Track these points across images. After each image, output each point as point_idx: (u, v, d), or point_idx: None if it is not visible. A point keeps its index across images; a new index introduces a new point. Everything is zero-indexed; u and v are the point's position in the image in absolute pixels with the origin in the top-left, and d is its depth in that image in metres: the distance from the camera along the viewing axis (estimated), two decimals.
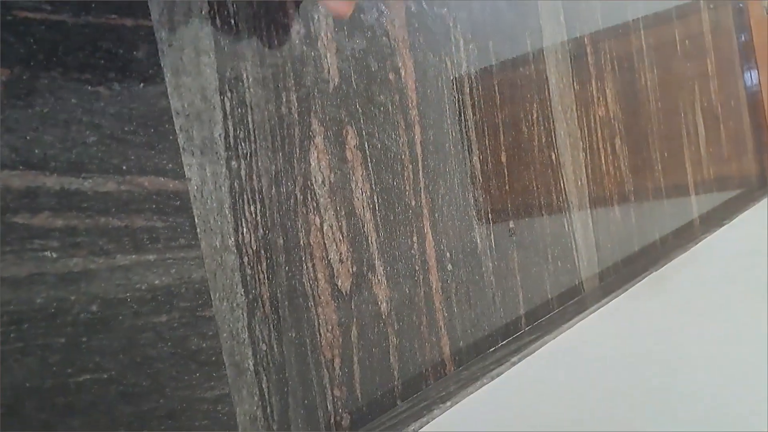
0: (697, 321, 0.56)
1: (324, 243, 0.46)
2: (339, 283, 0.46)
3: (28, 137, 0.31)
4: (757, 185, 1.44)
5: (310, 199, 0.45)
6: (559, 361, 0.54)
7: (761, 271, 0.69)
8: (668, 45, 1.13)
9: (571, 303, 0.72)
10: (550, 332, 0.62)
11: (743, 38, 1.52)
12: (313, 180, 0.45)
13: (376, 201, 0.50)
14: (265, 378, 0.41)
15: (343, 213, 0.47)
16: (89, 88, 0.34)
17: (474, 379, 0.52)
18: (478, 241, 0.60)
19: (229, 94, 0.41)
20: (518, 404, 0.46)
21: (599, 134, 0.84)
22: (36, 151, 0.32)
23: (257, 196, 0.42)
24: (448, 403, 0.49)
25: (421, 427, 0.46)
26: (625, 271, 0.85)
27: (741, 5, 1.58)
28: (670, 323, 0.58)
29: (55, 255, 0.32)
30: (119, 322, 0.34)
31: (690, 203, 1.11)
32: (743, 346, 0.47)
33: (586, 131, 0.81)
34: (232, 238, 0.40)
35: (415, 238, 0.53)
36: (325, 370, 0.45)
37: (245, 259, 0.40)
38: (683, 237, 1.03)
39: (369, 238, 0.49)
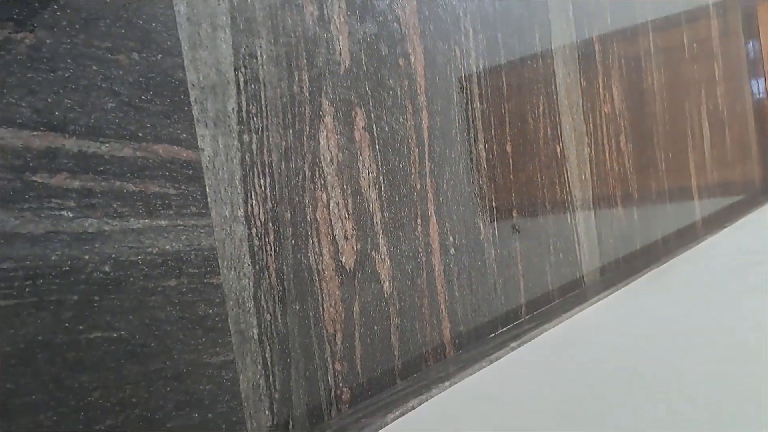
0: (696, 316, 0.57)
1: (330, 219, 0.46)
2: (343, 260, 0.47)
3: (49, 100, 0.33)
4: (761, 190, 1.45)
5: (318, 176, 0.46)
6: (558, 349, 0.55)
7: (761, 270, 0.69)
8: (676, 47, 1.14)
9: (571, 294, 0.73)
10: (550, 321, 0.62)
11: (751, 44, 1.53)
12: (322, 158, 0.46)
13: (382, 182, 0.51)
14: (268, 347, 0.42)
15: (350, 191, 0.48)
16: (109, 56, 0.35)
17: (473, 362, 0.53)
18: (482, 227, 0.61)
19: (243, 70, 0.42)
20: (516, 388, 0.47)
21: (605, 130, 0.85)
22: (56, 113, 0.33)
23: (267, 170, 0.43)
24: (447, 383, 0.49)
25: (420, 404, 0.46)
26: (626, 266, 0.85)
27: (750, 12, 1.59)
28: (669, 317, 0.58)
29: (71, 215, 0.33)
30: (130, 284, 0.35)
31: (693, 206, 1.11)
32: (742, 341, 0.48)
33: (591, 127, 0.81)
34: (242, 209, 0.41)
35: (419, 221, 0.54)
36: (327, 344, 0.46)
37: (253, 231, 0.41)
38: (686, 237, 1.04)
39: (374, 217, 0.50)
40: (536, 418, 0.40)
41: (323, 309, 0.46)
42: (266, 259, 0.42)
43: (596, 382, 0.45)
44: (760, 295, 0.59)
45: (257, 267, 0.42)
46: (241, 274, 0.41)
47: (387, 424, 0.43)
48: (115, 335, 0.34)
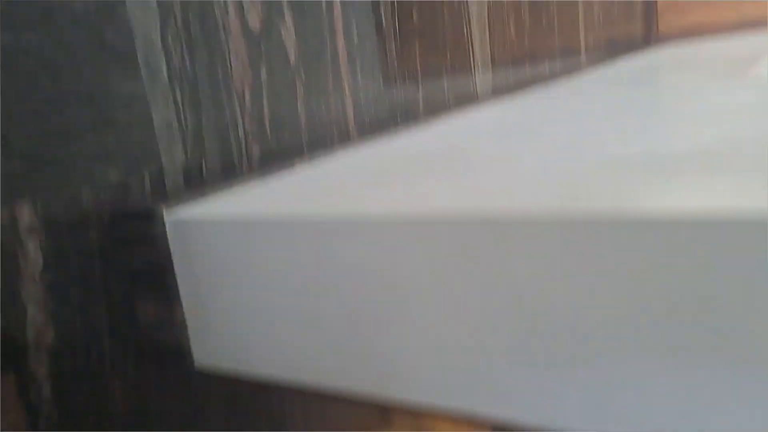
0: (573, 108, 0.64)
1: None
2: (249, 21, 0.49)
3: None
4: (642, 44, 1.56)
5: None
6: (448, 129, 0.60)
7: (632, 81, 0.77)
8: None
9: (466, 102, 0.79)
10: (445, 116, 0.68)
11: None
12: None
13: None
14: (179, 90, 0.44)
15: None
16: None
17: (374, 139, 0.58)
18: (384, 20, 0.64)
19: None
20: (408, 149, 0.52)
21: None
22: None
23: None
24: (351, 150, 0.54)
25: (327, 156, 0.51)
26: (517, 86, 0.92)
27: None
28: (550, 106, 0.65)
29: None
30: None
31: (580, 58, 1.19)
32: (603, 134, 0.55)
33: None
34: None
35: (323, 5, 0.56)
36: (237, 100, 0.48)
37: None
38: (570, 69, 1.12)
39: None
40: (422, 167, 0.46)
41: (231, 66, 0.48)
42: (171, 0, 0.43)
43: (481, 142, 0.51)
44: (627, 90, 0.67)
45: (163, 8, 0.42)
46: (147, 11, 0.41)
47: (293, 166, 0.47)
48: (23, 45, 0.35)
